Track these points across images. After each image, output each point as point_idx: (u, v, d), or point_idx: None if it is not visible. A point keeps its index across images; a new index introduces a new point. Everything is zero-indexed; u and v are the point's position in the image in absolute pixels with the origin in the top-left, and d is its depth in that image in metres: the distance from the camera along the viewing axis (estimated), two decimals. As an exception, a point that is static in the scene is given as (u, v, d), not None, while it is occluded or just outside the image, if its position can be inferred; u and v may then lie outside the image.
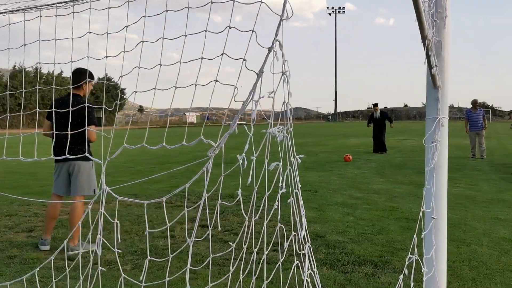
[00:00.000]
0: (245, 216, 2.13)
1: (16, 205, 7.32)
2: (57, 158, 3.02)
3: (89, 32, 2.52)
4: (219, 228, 5.50)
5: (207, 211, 2.12)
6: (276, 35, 2.11)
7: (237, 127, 2.13)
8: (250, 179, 2.16)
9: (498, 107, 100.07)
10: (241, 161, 2.19)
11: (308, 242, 2.23)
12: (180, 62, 2.39)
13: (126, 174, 11.20)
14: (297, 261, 2.21)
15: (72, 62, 2.67)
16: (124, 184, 4.51)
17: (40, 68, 58.45)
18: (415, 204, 7.23)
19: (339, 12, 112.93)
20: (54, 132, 4.11)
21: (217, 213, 2.22)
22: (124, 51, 2.55)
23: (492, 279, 4.03)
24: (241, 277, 2.16)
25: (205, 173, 2.17)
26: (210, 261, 2.93)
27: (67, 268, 2.59)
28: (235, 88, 2.18)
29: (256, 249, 2.09)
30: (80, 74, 4.94)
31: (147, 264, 2.42)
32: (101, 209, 2.43)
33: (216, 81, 2.23)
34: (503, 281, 3.99)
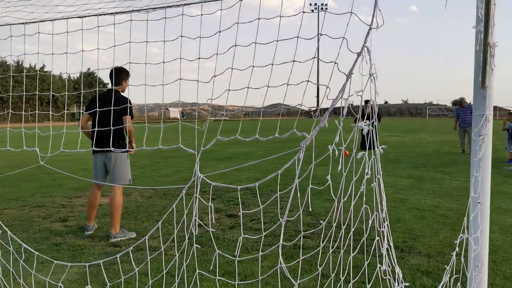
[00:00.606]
0: (334, 198, 2.46)
1: (38, 197, 7.50)
2: (96, 149, 3.27)
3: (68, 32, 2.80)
4: (310, 209, 5.84)
5: (298, 194, 2.44)
6: (365, 42, 2.44)
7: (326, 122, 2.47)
8: (340, 166, 2.49)
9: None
10: (331, 151, 2.50)
11: (387, 221, 2.58)
12: (272, 64, 2.70)
13: (133, 169, 11.38)
14: (377, 238, 2.56)
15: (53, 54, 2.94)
16: (219, 171, 4.75)
17: (22, 61, 57.54)
18: (421, 196, 7.66)
19: (321, 9, 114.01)
20: (95, 127, 4.38)
21: (308, 196, 2.53)
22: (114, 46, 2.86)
23: (510, 261, 4.46)
24: (331, 250, 2.49)
25: (297, 161, 2.48)
26: (301, 237, 3.34)
27: (162, 246, 2.87)
28: (327, 88, 2.51)
29: (344, 226, 2.43)
30: (119, 72, 5.19)
31: (241, 241, 2.73)
32: (196, 193, 2.74)
33: (308, 81, 2.56)
34: (521, 262, 4.42)
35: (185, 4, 2.84)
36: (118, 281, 3.48)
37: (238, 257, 3.01)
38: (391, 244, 2.63)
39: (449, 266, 2.97)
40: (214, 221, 5.02)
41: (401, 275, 2.68)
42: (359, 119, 2.49)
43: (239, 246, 2.74)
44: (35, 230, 5.55)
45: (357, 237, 3.06)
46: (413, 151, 16.27)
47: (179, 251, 3.76)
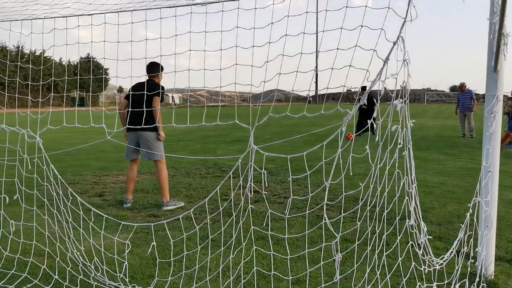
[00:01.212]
0: (372, 164, 2.95)
1: (69, 175, 7.98)
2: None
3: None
4: (351, 173, 6.39)
5: (341, 161, 2.92)
6: (400, 32, 2.91)
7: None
8: (377, 137, 2.97)
9: (474, 90, 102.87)
10: (369, 124, 2.98)
11: (415, 183, 3.08)
12: (301, 53, 3.16)
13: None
14: (407, 198, 3.06)
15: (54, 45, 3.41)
16: (271, 143, 5.16)
17: (22, 46, 57.45)
18: (428, 174, 8.17)
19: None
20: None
21: (349, 163, 3.00)
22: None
23: (512, 228, 4.99)
24: (368, 207, 2.99)
25: (339, 134, 2.97)
26: (343, 198, 3.89)
27: (220, 207, 3.35)
28: (367, 71, 2.97)
29: (380, 187, 2.93)
30: (154, 65, 5.78)
31: (289, 203, 3.23)
32: (251, 161, 3.22)
33: (350, 66, 3.03)
34: (522, 229, 4.95)
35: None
36: (179, 238, 3.98)
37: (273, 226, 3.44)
38: (418, 203, 3.14)
39: (464, 224, 3.47)
40: (267, 185, 5.55)
41: (425, 229, 3.19)
42: (393, 98, 2.96)
43: (288, 205, 3.22)
44: (76, 203, 6.02)
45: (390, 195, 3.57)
46: (416, 135, 16.77)
47: (236, 210, 4.25)
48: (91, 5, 3.97)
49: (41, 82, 4.07)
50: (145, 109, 5.38)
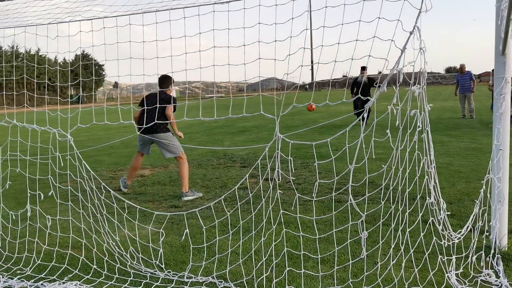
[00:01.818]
0: (392, 147, 3.15)
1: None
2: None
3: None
4: (373, 157, 6.59)
5: (363, 146, 3.12)
6: (416, 22, 3.09)
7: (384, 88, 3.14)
8: (398, 121, 3.17)
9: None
10: (389, 110, 3.17)
11: (433, 163, 3.29)
12: (322, 46, 3.34)
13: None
14: (427, 177, 3.27)
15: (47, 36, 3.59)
16: (294, 131, 5.33)
17: (17, 47, 57.29)
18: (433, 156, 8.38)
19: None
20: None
21: (371, 146, 3.20)
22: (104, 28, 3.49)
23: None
24: (391, 187, 3.20)
25: (361, 120, 3.16)
26: (366, 179, 4.10)
27: (238, 202, 3.56)
28: (385, 60, 3.16)
29: (401, 168, 3.14)
30: (166, 78, 6.28)
31: (316, 186, 3.43)
32: (277, 150, 3.41)
33: (370, 55, 3.21)
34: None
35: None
36: (210, 225, 4.20)
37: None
38: (437, 181, 3.35)
39: (478, 199, 3.69)
40: (293, 170, 5.77)
41: (444, 206, 3.40)
42: (411, 84, 3.15)
43: (315, 188, 3.43)
44: (97, 197, 6.24)
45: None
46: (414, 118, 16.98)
47: (265, 197, 4.46)
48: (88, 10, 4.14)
49: (47, 82, 4.24)
50: (156, 117, 5.96)
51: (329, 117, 18.74)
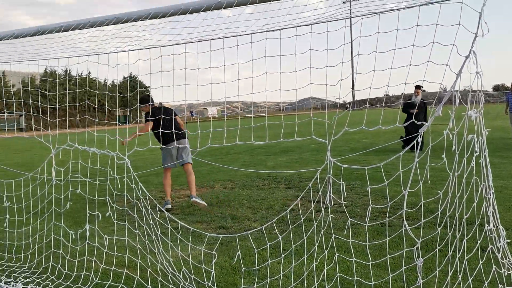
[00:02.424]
0: (449, 172, 3.11)
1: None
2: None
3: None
4: (428, 182, 6.55)
5: (418, 170, 3.09)
6: (472, 47, 3.07)
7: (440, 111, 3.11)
8: (454, 146, 3.13)
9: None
10: (445, 135, 3.14)
11: (492, 189, 3.21)
12: (375, 71, 3.36)
13: (231, 161, 12.31)
14: (485, 203, 3.19)
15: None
16: (347, 155, 5.44)
17: (70, 70, 60.23)
18: (485, 178, 8.11)
19: (353, 0, 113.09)
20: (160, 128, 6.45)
21: (426, 169, 3.16)
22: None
23: None
24: (448, 213, 3.14)
25: (415, 144, 3.13)
26: (422, 205, 3.99)
27: (290, 225, 3.58)
28: (441, 84, 3.14)
29: (458, 193, 3.08)
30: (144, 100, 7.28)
31: (370, 210, 3.42)
32: (329, 173, 3.43)
33: (424, 80, 3.19)
34: None
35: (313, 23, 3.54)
36: (262, 248, 4.23)
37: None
38: (496, 208, 3.26)
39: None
40: (346, 194, 5.78)
41: (504, 233, 3.30)
42: (468, 109, 3.12)
43: (368, 213, 3.41)
44: (152, 218, 6.43)
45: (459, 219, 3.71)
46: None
47: (316, 220, 4.47)
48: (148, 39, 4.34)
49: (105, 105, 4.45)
50: (173, 127, 6.54)
51: (373, 137, 18.50)
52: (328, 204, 3.44)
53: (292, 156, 13.47)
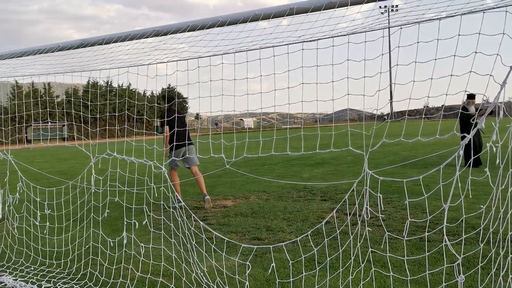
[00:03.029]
0: (492, 186, 2.98)
1: (171, 201, 8.56)
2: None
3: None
4: (470, 196, 6.37)
5: (459, 184, 2.97)
6: (515, 59, 2.94)
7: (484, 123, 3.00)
8: (498, 159, 3.00)
9: None
10: (488, 147, 3.01)
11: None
12: (414, 82, 3.29)
13: (266, 172, 12.36)
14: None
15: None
16: (384, 168, 5.40)
17: (111, 81, 62.11)
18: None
19: (392, 10, 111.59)
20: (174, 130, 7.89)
21: (468, 183, 3.04)
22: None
23: None
24: (491, 229, 3.01)
25: (457, 157, 3.03)
26: (463, 220, 3.89)
27: (325, 238, 3.52)
28: (483, 95, 3.03)
29: (503, 209, 2.95)
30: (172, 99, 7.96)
31: (408, 224, 3.32)
32: (366, 186, 3.36)
33: (466, 91, 3.10)
34: None
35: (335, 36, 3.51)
36: (296, 260, 4.19)
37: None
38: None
39: None
40: (383, 208, 5.70)
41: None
42: (513, 120, 2.99)
43: (406, 227, 3.32)
44: (188, 227, 6.49)
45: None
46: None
47: (352, 234, 4.40)
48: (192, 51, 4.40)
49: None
50: (186, 130, 8.04)
51: (411, 150, 18.09)
52: (365, 217, 3.36)
53: (328, 168, 13.33)
